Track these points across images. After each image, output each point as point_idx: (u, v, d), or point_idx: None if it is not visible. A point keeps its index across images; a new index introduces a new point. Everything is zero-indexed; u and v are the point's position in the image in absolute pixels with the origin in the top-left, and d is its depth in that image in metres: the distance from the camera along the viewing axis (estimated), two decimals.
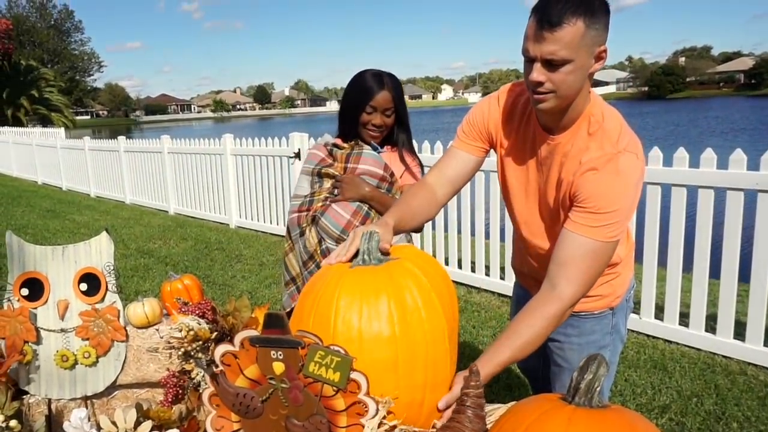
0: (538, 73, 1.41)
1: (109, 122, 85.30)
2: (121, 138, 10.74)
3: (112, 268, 1.55)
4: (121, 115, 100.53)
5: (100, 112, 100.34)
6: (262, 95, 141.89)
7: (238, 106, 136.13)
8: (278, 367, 1.28)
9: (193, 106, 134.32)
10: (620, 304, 1.82)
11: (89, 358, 1.55)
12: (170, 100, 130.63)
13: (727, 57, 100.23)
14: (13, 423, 1.35)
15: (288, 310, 2.34)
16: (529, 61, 1.43)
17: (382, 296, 1.34)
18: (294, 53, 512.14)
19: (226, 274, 5.84)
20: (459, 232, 5.27)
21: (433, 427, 1.38)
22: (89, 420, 1.45)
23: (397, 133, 2.27)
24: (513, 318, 1.53)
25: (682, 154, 3.66)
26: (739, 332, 3.53)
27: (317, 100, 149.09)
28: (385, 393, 1.29)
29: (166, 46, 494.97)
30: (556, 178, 1.58)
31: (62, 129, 20.54)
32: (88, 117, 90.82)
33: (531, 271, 1.88)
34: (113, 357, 1.57)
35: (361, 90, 2.17)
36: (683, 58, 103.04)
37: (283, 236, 7.38)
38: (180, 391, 1.46)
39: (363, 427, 1.27)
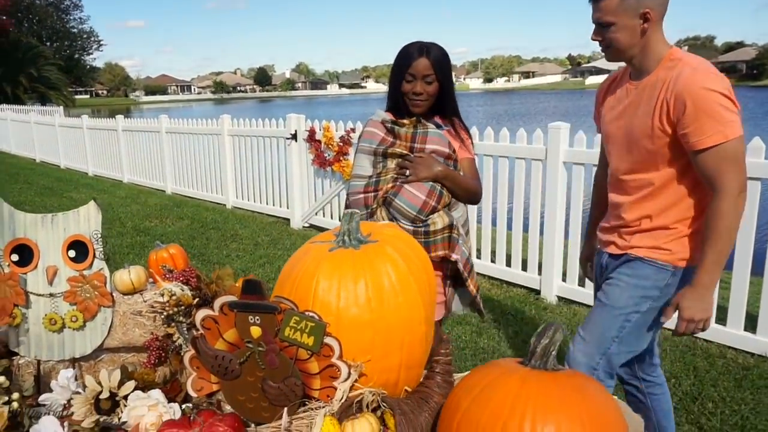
0: (594, 34, 1.91)
1: (108, 102, 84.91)
2: (119, 117, 10.74)
3: (99, 235, 1.61)
4: (120, 95, 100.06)
5: (100, 92, 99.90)
6: (262, 77, 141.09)
7: (238, 88, 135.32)
8: (255, 331, 1.34)
9: (193, 87, 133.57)
10: (684, 270, 1.91)
11: (77, 322, 1.61)
12: (170, 81, 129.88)
13: (730, 47, 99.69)
14: (1, 379, 1.40)
15: None
16: (593, 24, 1.91)
17: (360, 281, 1.37)
18: (295, 36, 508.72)
19: (220, 253, 5.90)
20: None
21: (405, 391, 1.44)
22: (76, 380, 1.51)
23: (444, 104, 2.25)
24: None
25: None
26: (721, 317, 3.60)
27: (318, 83, 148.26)
28: (359, 377, 1.34)
29: (167, 25, 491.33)
30: (648, 109, 1.85)
31: (61, 107, 20.47)
32: (88, 96, 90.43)
33: (617, 221, 2.05)
34: (100, 321, 1.62)
35: (402, 59, 2.19)
36: (686, 48, 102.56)
37: (279, 217, 7.45)
38: (163, 354, 1.52)
39: (336, 389, 1.33)
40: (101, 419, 1.40)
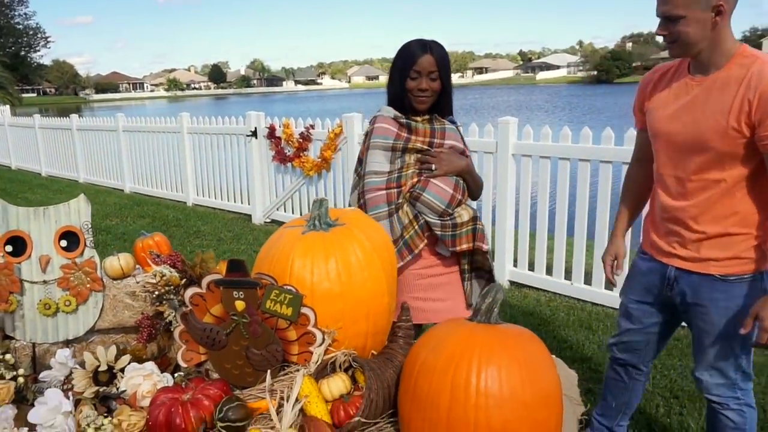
0: (660, 29, 1.81)
1: (57, 100, 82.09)
2: (74, 116, 10.60)
3: (89, 226, 1.76)
4: (70, 93, 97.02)
5: (48, 90, 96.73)
6: (217, 74, 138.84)
7: (192, 85, 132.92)
8: (240, 305, 1.52)
9: (145, 85, 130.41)
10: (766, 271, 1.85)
11: (70, 306, 1.76)
12: (122, 78, 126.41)
13: None
14: (7, 356, 1.55)
15: None
16: (659, 18, 1.82)
17: (330, 258, 1.57)
18: (250, 32, 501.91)
19: (184, 249, 5.98)
20: None
21: (372, 355, 1.64)
22: (73, 358, 1.66)
23: (443, 102, 2.24)
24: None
25: (608, 133, 4.01)
26: None
27: (273, 79, 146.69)
28: (332, 342, 1.54)
29: (118, 21, 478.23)
30: (722, 107, 1.76)
31: (7, 106, 19.86)
32: (35, 95, 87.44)
33: (675, 226, 1.94)
34: (92, 305, 1.77)
35: (405, 56, 2.17)
36: (630, 44, 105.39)
37: (241, 213, 7.55)
38: (153, 331, 1.68)
39: (312, 353, 1.52)
40: (101, 390, 1.56)
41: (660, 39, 1.88)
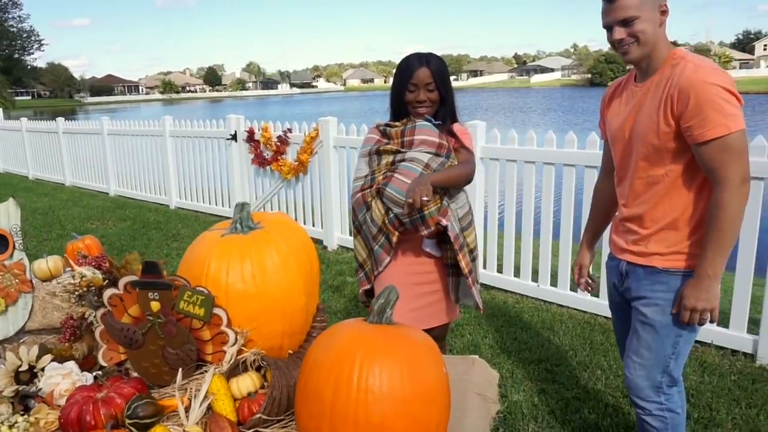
0: (618, 33, 1.87)
1: (51, 103, 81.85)
2: (60, 119, 10.63)
3: (18, 229, 1.79)
4: (64, 96, 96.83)
5: (42, 93, 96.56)
6: (212, 77, 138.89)
7: (187, 88, 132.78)
8: (155, 306, 1.55)
9: (141, 88, 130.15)
10: None
11: None
12: (117, 81, 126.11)
13: None
14: None
15: (362, 298, 2.49)
16: (609, 28, 1.89)
17: (246, 260, 1.60)
18: (245, 35, 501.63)
19: (161, 252, 6.01)
20: None
21: (288, 354, 1.68)
22: (1, 358, 1.69)
23: (441, 111, 2.34)
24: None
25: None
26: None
27: (269, 82, 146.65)
28: (247, 342, 1.57)
29: (114, 24, 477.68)
30: (654, 106, 1.86)
31: (0, 109, 19.84)
32: (29, 97, 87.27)
33: (627, 224, 2.03)
34: (21, 306, 1.81)
35: (403, 70, 2.29)
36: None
37: (221, 216, 7.58)
38: (77, 331, 1.72)
39: (225, 353, 1.56)
40: (20, 388, 1.59)
41: (610, 47, 1.95)
